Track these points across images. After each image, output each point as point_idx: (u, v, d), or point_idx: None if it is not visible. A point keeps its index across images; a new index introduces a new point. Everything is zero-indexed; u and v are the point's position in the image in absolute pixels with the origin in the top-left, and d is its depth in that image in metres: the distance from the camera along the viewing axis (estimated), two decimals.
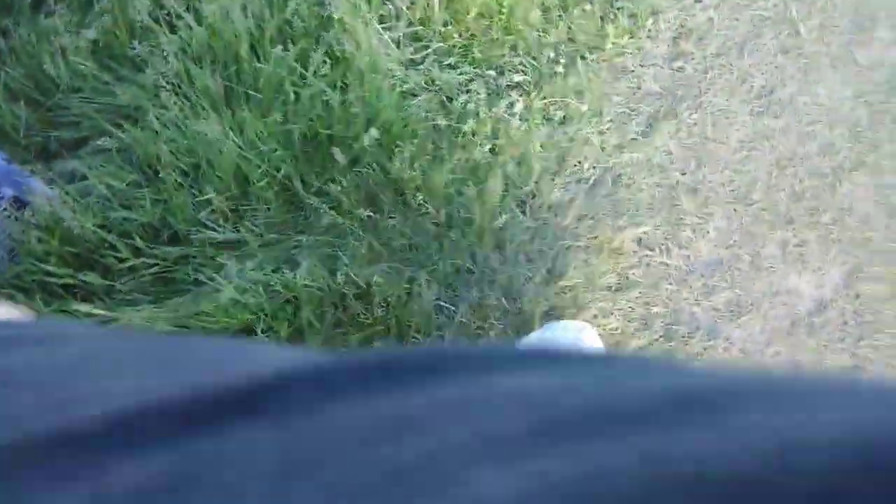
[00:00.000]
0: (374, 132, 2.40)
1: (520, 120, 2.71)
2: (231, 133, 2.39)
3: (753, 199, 2.90)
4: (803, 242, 2.82)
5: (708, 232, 2.81)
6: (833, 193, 2.92)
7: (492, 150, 2.68)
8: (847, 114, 3.18)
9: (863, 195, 2.92)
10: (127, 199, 2.38)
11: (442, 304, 2.36)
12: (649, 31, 3.22)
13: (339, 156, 2.39)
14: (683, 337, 2.50)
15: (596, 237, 2.65)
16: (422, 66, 2.70)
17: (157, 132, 2.38)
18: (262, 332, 2.17)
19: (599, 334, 2.44)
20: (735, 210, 2.88)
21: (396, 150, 2.48)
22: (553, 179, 2.78)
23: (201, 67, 2.46)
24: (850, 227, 2.85)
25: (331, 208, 2.43)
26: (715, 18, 3.21)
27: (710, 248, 2.78)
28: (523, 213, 2.66)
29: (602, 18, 3.14)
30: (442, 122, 2.62)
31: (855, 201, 2.91)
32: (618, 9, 3.16)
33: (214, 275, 2.19)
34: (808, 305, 2.66)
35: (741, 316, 2.59)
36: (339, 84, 2.49)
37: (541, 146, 2.80)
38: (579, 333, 2.06)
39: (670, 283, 2.64)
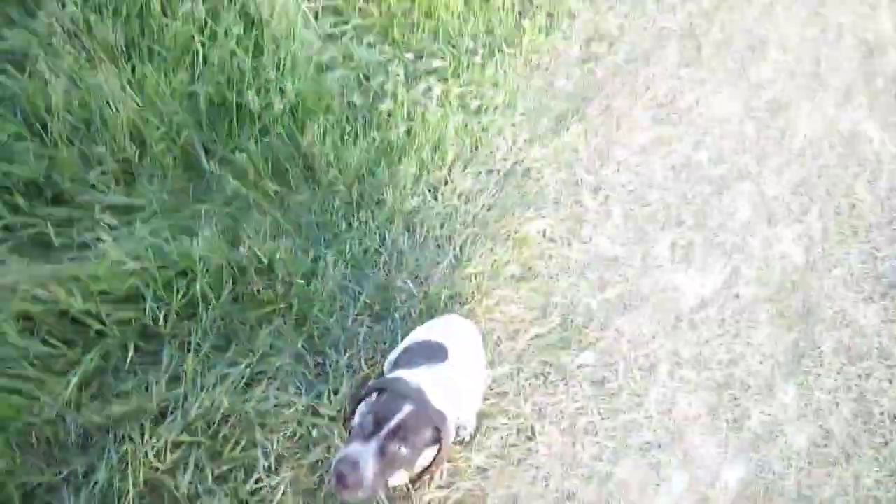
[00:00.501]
0: (288, 97, 2.28)
1: (437, 105, 2.68)
2: (130, 89, 2.21)
3: (648, 200, 3.03)
4: (690, 244, 2.98)
5: (606, 228, 2.91)
6: (719, 200, 3.10)
7: (407, 133, 2.64)
8: (736, 127, 3.38)
9: (745, 203, 3.12)
10: (8, 153, 2.15)
11: (347, 284, 2.30)
12: (564, 31, 3.28)
13: (249, 123, 2.27)
14: (578, 326, 2.57)
15: (503, 227, 2.68)
16: (340, 41, 2.61)
17: (46, 81, 2.15)
18: (153, 302, 2.02)
19: (500, 321, 2.47)
20: (632, 209, 2.99)
21: (309, 123, 2.38)
22: (465, 167, 2.77)
23: (102, 17, 2.25)
24: (732, 232, 3.04)
25: (235, 178, 2.30)
26: (625, 25, 3.32)
27: (607, 243, 2.88)
28: (435, 198, 2.64)
29: (520, 14, 3.16)
30: (358, 99, 2.55)
31: (738, 209, 3.10)
32: (536, 6, 3.20)
33: (100, 238, 2.01)
34: (691, 302, 2.81)
35: (631, 309, 2.70)
36: (251, 48, 2.36)
37: (456, 133, 2.79)
38: (461, 329, 2.02)
39: (570, 275, 2.71)
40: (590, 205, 2.93)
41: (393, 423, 1.37)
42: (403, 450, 1.39)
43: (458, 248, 2.54)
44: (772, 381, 2.69)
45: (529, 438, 2.26)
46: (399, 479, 1.66)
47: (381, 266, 2.38)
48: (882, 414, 2.76)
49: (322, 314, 2.20)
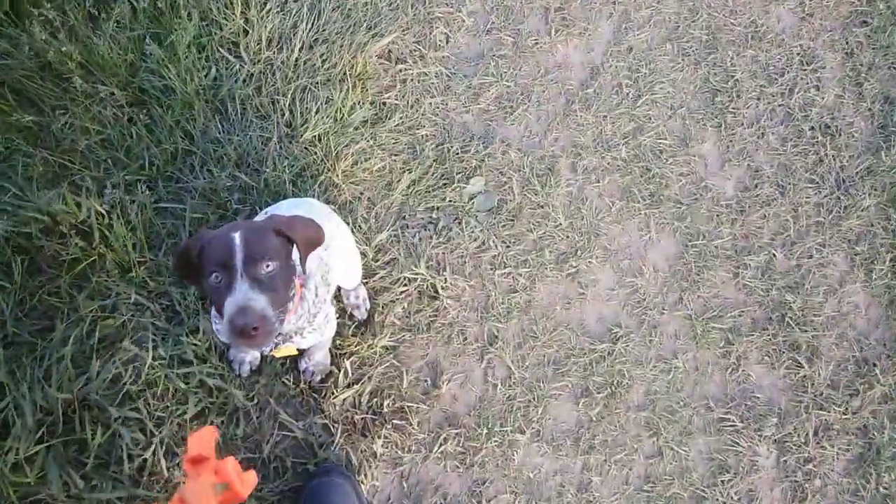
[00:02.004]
0: None
1: None
2: None
3: None
4: (565, 4, 2.65)
5: (463, 21, 2.56)
6: None
7: None
8: None
9: None
10: None
11: (164, 204, 2.03)
12: None
13: None
14: (457, 153, 2.35)
15: (335, 65, 2.33)
16: None
17: None
18: None
19: (366, 180, 2.24)
20: None
21: (33, 19, 1.94)
22: (265, 4, 2.35)
23: None
24: None
25: None
26: None
27: (468, 39, 2.55)
28: (237, 56, 2.26)
29: None
30: None
31: None
32: None
33: None
34: (580, 76, 2.57)
35: (514, 110, 2.46)
36: None
37: None
38: (309, 208, 1.79)
39: (433, 95, 2.43)
40: None
41: (238, 253, 1.27)
42: (270, 263, 1.30)
43: (287, 112, 2.23)
44: (685, 135, 2.55)
45: (434, 297, 2.15)
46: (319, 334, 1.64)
47: (199, 168, 2.09)
48: (812, 129, 2.66)
49: (146, 251, 1.97)
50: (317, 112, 2.23)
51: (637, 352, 2.23)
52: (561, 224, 2.33)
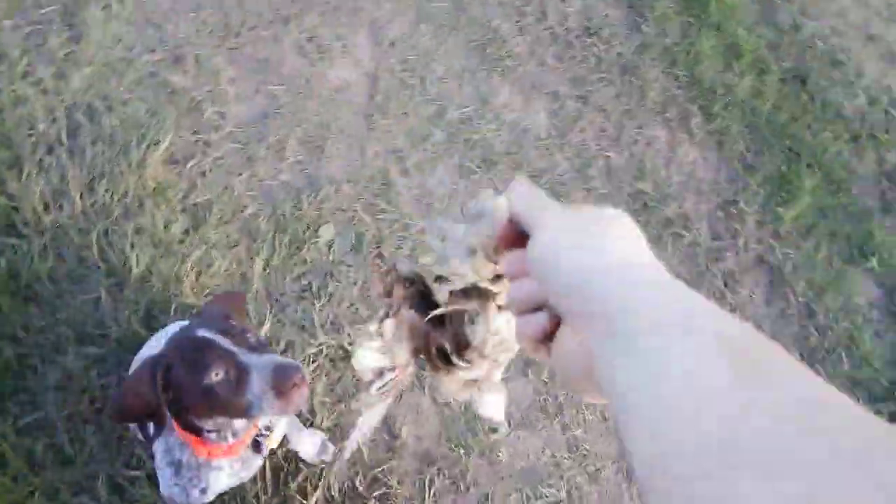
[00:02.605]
0: None
1: None
2: None
3: (236, 31, 2.64)
4: (311, 33, 2.70)
5: (227, 92, 2.53)
6: None
7: None
8: None
9: None
10: None
11: (26, 419, 1.82)
12: None
13: None
14: (293, 213, 2.31)
15: (125, 194, 2.21)
16: None
17: None
18: None
19: (217, 284, 2.14)
20: (220, 46, 2.60)
21: None
22: (21, 171, 2.18)
23: None
24: None
25: None
26: None
27: (242, 107, 2.52)
28: (20, 236, 2.08)
29: None
30: None
31: None
32: None
33: None
34: (364, 89, 2.63)
35: (322, 149, 2.47)
36: None
37: None
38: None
39: (239, 174, 2.37)
40: (182, 82, 2.49)
41: (223, 339, 1.28)
42: (249, 332, 1.35)
43: (101, 263, 2.08)
44: (481, 94, 2.69)
45: (347, 357, 2.11)
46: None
47: (41, 365, 1.90)
48: (579, 37, 2.92)
49: (32, 475, 1.76)
50: (132, 247, 2.11)
51: None
52: (422, 226, 2.37)
